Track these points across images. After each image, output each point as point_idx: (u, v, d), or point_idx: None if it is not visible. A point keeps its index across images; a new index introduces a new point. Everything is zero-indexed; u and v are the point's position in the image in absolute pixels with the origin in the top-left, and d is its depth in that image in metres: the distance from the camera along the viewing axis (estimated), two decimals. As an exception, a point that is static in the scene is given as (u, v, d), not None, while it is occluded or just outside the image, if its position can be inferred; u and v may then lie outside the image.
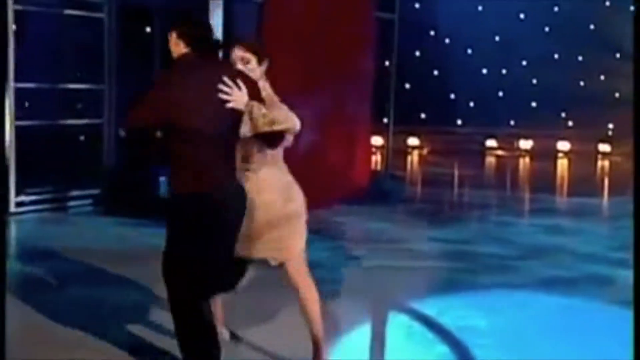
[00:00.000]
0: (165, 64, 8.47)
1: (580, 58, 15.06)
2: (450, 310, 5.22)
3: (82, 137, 8.76)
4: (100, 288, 5.41)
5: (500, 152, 15.07)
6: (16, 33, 7.71)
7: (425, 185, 12.06)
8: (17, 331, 4.44)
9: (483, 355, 4.38)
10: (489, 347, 4.51)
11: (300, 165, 9.05)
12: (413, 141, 15.16)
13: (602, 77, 14.72)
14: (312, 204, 8.84)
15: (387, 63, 13.92)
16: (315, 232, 7.26)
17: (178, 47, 3.49)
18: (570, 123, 15.22)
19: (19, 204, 7.90)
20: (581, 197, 11.07)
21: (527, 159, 14.90)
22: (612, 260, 6.92)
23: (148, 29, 8.69)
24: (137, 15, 8.75)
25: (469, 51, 14.98)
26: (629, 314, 5.09)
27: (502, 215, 9.27)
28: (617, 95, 14.10)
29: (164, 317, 4.29)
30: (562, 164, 14.56)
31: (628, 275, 4.48)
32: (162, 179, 8.24)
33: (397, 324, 5.07)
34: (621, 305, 5.40)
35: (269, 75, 8.87)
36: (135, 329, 4.48)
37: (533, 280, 6.19)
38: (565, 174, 13.52)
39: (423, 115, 15.11)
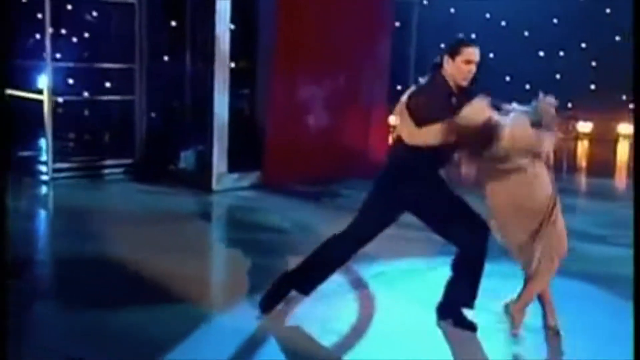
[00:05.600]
0: (194, 44, 9.18)
1: (643, 40, 14.66)
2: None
3: (116, 112, 9.55)
4: (118, 245, 6.24)
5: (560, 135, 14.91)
6: (54, 17, 8.60)
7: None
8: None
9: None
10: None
11: (320, 142, 9.66)
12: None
13: (666, 60, 14.29)
14: (330, 177, 9.47)
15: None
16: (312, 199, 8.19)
17: None
18: (631, 106, 14.87)
19: (56, 170, 8.83)
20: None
21: (586, 142, 14.75)
22: (591, 237, 7.05)
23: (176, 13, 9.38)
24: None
25: (526, 34, 14.88)
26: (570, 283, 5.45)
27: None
28: (682, 78, 13.55)
29: (167, 266, 5.49)
30: (622, 146, 14.39)
31: (594, 249, 4.66)
32: (184, 153, 9.01)
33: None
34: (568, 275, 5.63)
35: (287, 58, 9.42)
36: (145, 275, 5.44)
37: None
38: (611, 156, 13.40)
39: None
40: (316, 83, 8.97)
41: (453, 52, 4.34)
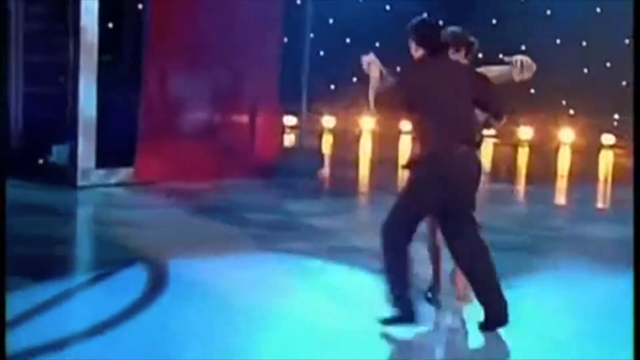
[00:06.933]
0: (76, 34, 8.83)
1: (584, 43, 14.24)
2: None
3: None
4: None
5: (497, 141, 14.47)
6: None
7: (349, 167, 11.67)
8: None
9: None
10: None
11: (198, 140, 9.30)
12: (405, 125, 14.87)
13: (608, 64, 13.91)
14: (215, 176, 9.14)
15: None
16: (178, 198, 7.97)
17: (417, 52, 4.36)
18: (571, 112, 14.48)
19: None
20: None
21: (527, 149, 14.38)
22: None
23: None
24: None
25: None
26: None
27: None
28: (624, 83, 13.19)
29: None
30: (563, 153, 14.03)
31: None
32: (56, 147, 8.71)
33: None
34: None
35: (162, 52, 8.99)
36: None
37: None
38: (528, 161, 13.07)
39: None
40: (194, 80, 8.68)
41: None
